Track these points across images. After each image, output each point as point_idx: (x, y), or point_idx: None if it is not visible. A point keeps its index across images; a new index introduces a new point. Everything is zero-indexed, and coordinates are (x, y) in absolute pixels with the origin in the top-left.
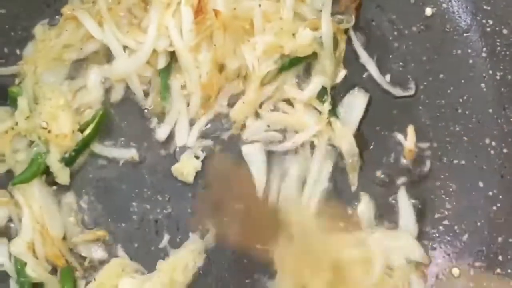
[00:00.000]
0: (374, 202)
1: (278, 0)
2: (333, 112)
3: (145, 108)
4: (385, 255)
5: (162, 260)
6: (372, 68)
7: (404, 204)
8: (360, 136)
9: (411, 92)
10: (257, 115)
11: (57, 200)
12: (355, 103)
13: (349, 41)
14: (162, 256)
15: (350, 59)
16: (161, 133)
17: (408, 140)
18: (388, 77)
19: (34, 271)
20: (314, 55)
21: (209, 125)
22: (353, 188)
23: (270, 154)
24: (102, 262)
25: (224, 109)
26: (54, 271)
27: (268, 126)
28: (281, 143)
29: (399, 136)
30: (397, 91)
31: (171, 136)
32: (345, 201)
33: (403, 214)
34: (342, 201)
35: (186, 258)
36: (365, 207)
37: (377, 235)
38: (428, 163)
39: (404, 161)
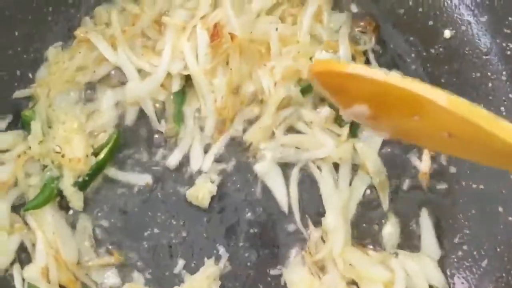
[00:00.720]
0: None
1: (295, 23)
2: (354, 133)
3: (159, 131)
4: (408, 279)
5: (177, 286)
6: None
7: (426, 226)
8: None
9: None
10: (272, 135)
11: (71, 224)
12: None
13: (367, 62)
14: (177, 282)
15: None
16: (172, 160)
17: (423, 163)
18: None
19: None
20: None
21: (224, 149)
22: (385, 207)
23: (283, 168)
24: (116, 286)
25: (239, 133)
26: None
27: (283, 145)
28: (294, 156)
29: (415, 159)
30: None
31: (186, 161)
32: (372, 219)
33: (425, 236)
34: (369, 219)
35: (201, 284)
36: (391, 227)
37: (400, 257)
38: (446, 188)
39: (421, 185)
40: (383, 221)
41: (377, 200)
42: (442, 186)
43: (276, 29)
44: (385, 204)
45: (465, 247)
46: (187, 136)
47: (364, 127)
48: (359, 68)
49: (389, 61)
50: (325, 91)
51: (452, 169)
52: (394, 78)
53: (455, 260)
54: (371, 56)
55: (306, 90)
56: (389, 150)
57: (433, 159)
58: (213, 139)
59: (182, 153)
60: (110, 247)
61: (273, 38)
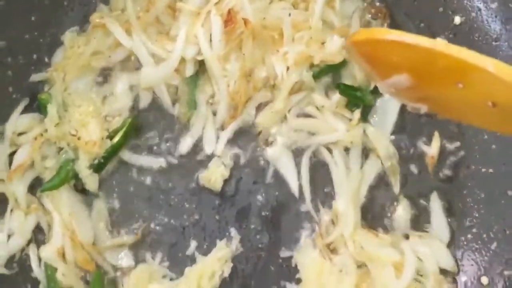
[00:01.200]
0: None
1: (307, 9)
2: (365, 118)
3: (173, 116)
4: (418, 262)
5: (189, 266)
6: None
7: (437, 209)
8: None
9: None
10: (283, 119)
11: (87, 206)
12: (388, 107)
13: None
14: (189, 263)
15: None
16: (184, 146)
17: (432, 147)
18: None
19: (65, 276)
20: (344, 62)
21: (236, 134)
22: (396, 190)
23: (294, 152)
24: (129, 268)
25: (251, 117)
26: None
27: (295, 130)
28: (305, 141)
29: (422, 145)
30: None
31: (199, 145)
32: (383, 202)
33: (435, 219)
34: (380, 203)
35: (213, 266)
36: (402, 211)
37: (411, 240)
38: (456, 172)
39: (430, 169)
40: (394, 204)
41: (388, 184)
42: (451, 170)
43: (289, 14)
44: (396, 187)
45: (474, 230)
46: (198, 121)
47: (401, 100)
48: (404, 35)
49: None
50: (363, 62)
51: (461, 153)
52: (440, 44)
53: (465, 243)
54: None
55: (318, 75)
56: (397, 136)
57: (442, 144)
58: (226, 123)
59: (193, 139)
60: (124, 228)
61: (286, 24)
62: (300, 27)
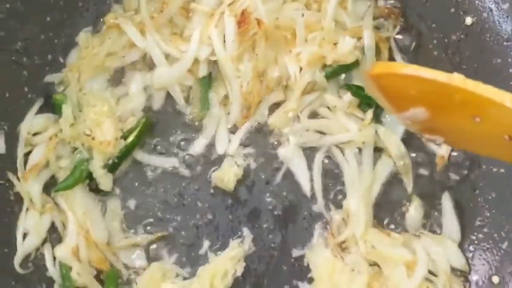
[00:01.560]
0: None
1: (320, 10)
2: (377, 118)
3: (186, 116)
4: (429, 261)
5: (202, 266)
6: None
7: (448, 209)
8: None
9: None
10: (296, 119)
11: (101, 205)
12: None
13: (390, 49)
14: (202, 262)
15: None
16: (197, 147)
17: (443, 147)
18: None
19: (79, 275)
20: (356, 63)
21: (249, 134)
22: (409, 189)
23: (306, 152)
24: (143, 267)
25: (264, 117)
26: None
27: (307, 130)
28: (317, 140)
29: (432, 145)
30: None
31: (211, 145)
32: (395, 202)
33: (446, 219)
34: (393, 202)
35: (226, 265)
36: (415, 210)
37: (423, 239)
38: (467, 171)
39: (442, 169)
40: (406, 203)
41: (400, 183)
42: (462, 170)
43: (302, 15)
44: (409, 186)
45: (485, 230)
46: (211, 123)
47: (417, 131)
48: (421, 70)
49: (411, 48)
50: (379, 95)
51: (472, 153)
52: (457, 79)
53: (476, 242)
54: (393, 44)
55: (330, 75)
56: (407, 137)
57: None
58: (238, 123)
59: (206, 140)
60: (138, 228)
61: (299, 25)
62: (313, 28)
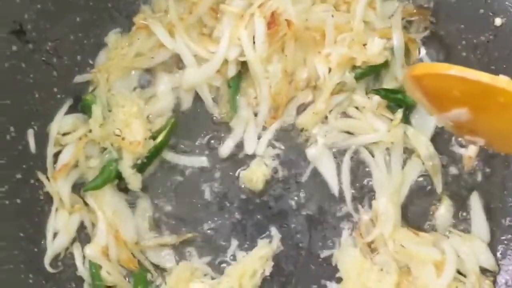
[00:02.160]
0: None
1: (349, 11)
2: (406, 119)
3: (214, 116)
4: (458, 261)
5: (231, 265)
6: None
7: (477, 209)
8: None
9: None
10: (324, 120)
11: (130, 205)
12: None
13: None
14: (230, 262)
15: None
16: (225, 149)
17: (470, 147)
18: None
19: (109, 274)
20: (385, 63)
21: (277, 134)
22: (438, 190)
23: (334, 152)
24: (171, 267)
25: (293, 118)
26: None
27: (335, 130)
28: (346, 141)
29: (458, 148)
30: None
31: (240, 145)
32: (425, 202)
33: (475, 219)
34: (422, 202)
35: (254, 264)
36: (445, 210)
37: (452, 239)
38: (496, 171)
39: (466, 169)
40: (436, 203)
41: (430, 184)
42: (491, 170)
43: (332, 16)
44: (439, 187)
45: None
46: (240, 125)
47: (458, 133)
48: (465, 71)
49: (440, 48)
50: (420, 95)
51: (501, 153)
52: (502, 81)
53: (505, 242)
54: (421, 45)
55: (360, 76)
56: (436, 138)
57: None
58: (267, 124)
59: (234, 142)
60: (167, 228)
61: (329, 26)
62: (342, 29)
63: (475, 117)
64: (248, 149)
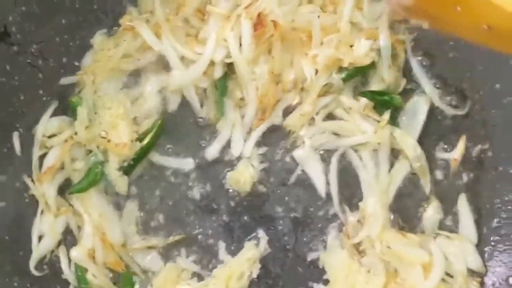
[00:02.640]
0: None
1: (335, 12)
2: (393, 120)
3: (201, 118)
4: (446, 263)
5: (218, 267)
6: (425, 83)
7: (465, 211)
8: None
9: (464, 111)
10: (311, 121)
11: (117, 207)
12: (417, 109)
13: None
14: (217, 264)
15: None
16: (211, 152)
17: (457, 149)
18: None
19: (95, 277)
20: (372, 64)
21: (264, 136)
22: (427, 191)
23: (322, 154)
24: (158, 270)
25: (279, 119)
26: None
27: (323, 132)
28: (333, 142)
29: (442, 153)
30: (449, 110)
31: (227, 147)
32: (413, 203)
33: (463, 221)
34: (410, 203)
35: (241, 266)
36: (433, 211)
37: (439, 240)
38: (483, 173)
39: (452, 171)
40: (424, 205)
41: (418, 185)
42: (479, 171)
43: (318, 17)
44: (427, 188)
45: (502, 231)
46: (226, 127)
47: (405, 16)
48: None
49: (427, 49)
50: None
51: (489, 154)
52: None
53: (492, 243)
54: (408, 47)
55: (347, 77)
56: (419, 141)
57: (469, 146)
58: (254, 125)
59: (221, 145)
60: (154, 230)
61: (315, 27)
62: (329, 30)
63: (418, 2)
64: (235, 151)
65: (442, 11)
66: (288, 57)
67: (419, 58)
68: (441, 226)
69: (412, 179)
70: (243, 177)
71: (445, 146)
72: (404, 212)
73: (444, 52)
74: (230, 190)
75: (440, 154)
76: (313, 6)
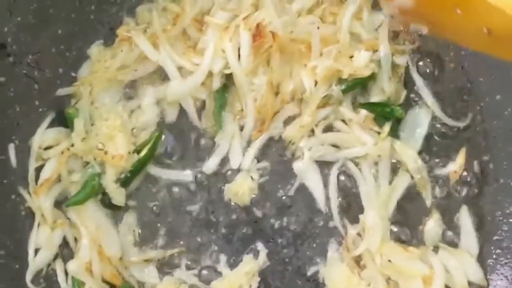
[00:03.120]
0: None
1: (335, 23)
2: (393, 133)
3: (200, 130)
4: (447, 276)
5: (216, 280)
6: (427, 95)
7: (466, 223)
8: None
9: (465, 122)
10: (311, 133)
11: (115, 220)
12: (418, 120)
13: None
14: (216, 277)
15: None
16: (210, 165)
17: (457, 162)
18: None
19: None
20: (372, 75)
21: (263, 147)
22: (428, 203)
23: (321, 166)
24: (155, 283)
25: (279, 131)
26: None
27: (322, 144)
28: (333, 154)
29: (440, 171)
30: (450, 121)
31: (226, 159)
32: (414, 215)
33: (464, 233)
34: (411, 216)
35: (240, 279)
36: (434, 224)
37: (440, 253)
38: (484, 185)
39: (452, 183)
40: (425, 218)
41: (419, 197)
42: (480, 184)
43: (318, 28)
44: (428, 200)
45: (504, 244)
46: (225, 139)
47: (405, 21)
48: None
49: (428, 59)
50: None
51: (490, 166)
52: None
53: (494, 256)
54: (408, 58)
55: (346, 89)
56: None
57: (470, 159)
58: (253, 137)
59: (219, 158)
60: (152, 243)
61: (314, 38)
62: (328, 41)
63: (418, 4)
64: (234, 163)
65: (442, 13)
66: (287, 68)
67: (420, 69)
68: (442, 238)
69: (413, 192)
70: (241, 189)
71: (446, 158)
72: (405, 224)
73: (445, 63)
74: (229, 203)
75: (441, 167)
76: (313, 16)
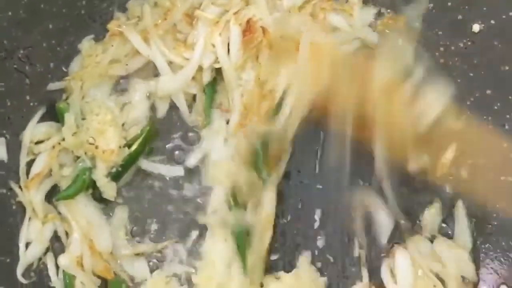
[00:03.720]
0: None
1: (325, 19)
2: None
3: (190, 124)
4: (439, 266)
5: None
6: None
7: (461, 217)
8: None
9: None
10: None
11: (106, 215)
12: None
13: None
14: None
15: None
16: (191, 160)
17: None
18: None
19: (84, 284)
20: None
21: None
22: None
23: None
24: (146, 277)
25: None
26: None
27: None
28: None
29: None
30: None
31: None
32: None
33: (459, 227)
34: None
35: None
36: (435, 212)
37: (436, 242)
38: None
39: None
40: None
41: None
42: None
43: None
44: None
45: (493, 238)
46: (210, 135)
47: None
48: None
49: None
50: None
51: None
52: None
53: (483, 251)
54: None
55: None
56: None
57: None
58: (233, 131)
59: (202, 153)
60: (143, 237)
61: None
62: None
63: None
64: (214, 156)
65: None
66: (276, 64)
67: None
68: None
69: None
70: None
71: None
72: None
73: (436, 57)
74: None
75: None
76: (303, 14)
